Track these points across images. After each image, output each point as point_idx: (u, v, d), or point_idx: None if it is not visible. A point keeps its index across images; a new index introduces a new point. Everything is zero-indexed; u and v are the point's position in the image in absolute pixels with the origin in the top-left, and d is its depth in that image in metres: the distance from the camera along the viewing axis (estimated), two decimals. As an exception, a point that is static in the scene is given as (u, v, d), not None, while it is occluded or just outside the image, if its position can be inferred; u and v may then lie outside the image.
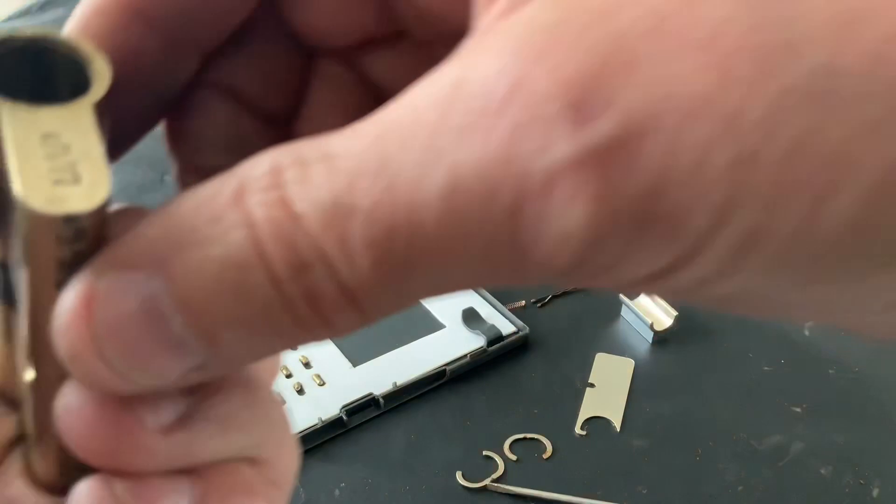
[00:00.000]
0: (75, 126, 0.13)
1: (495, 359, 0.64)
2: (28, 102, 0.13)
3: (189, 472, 0.15)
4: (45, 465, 0.17)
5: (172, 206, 0.13)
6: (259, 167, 0.12)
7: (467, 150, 0.11)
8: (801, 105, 0.10)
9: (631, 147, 0.10)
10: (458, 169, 0.11)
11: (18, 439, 0.17)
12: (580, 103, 0.10)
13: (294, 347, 0.13)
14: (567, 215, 0.10)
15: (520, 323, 0.66)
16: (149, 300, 0.12)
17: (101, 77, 0.14)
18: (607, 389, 0.62)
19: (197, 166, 0.18)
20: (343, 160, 0.11)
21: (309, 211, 0.11)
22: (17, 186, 0.12)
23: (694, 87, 0.10)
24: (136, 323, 0.13)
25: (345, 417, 0.59)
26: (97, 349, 0.13)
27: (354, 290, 0.12)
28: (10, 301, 0.16)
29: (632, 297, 0.67)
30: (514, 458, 0.57)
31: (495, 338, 0.64)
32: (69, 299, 0.13)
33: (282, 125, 0.18)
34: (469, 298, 0.68)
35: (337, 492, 0.56)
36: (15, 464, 0.17)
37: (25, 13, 1.24)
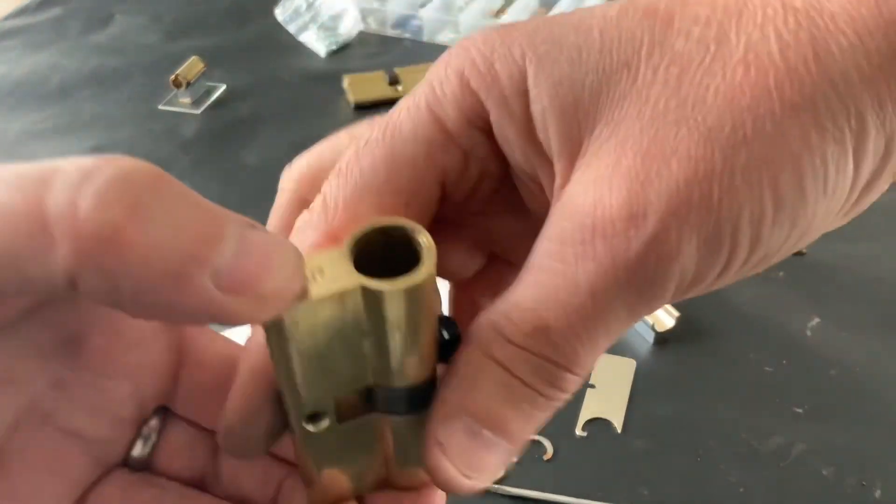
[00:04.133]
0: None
1: (495, 359, 0.64)
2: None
3: None
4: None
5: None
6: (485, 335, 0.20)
7: (618, 245, 0.18)
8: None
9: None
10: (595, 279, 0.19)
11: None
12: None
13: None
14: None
15: (520, 323, 0.66)
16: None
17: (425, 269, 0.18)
18: (608, 390, 0.62)
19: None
20: (559, 303, 0.19)
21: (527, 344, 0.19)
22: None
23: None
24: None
25: (344, 418, 0.59)
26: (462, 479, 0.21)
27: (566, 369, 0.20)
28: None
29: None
30: (514, 459, 0.57)
31: (495, 338, 0.64)
32: (443, 464, 0.21)
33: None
34: (469, 298, 0.68)
35: (336, 493, 0.55)
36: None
37: (23, 12, 1.23)
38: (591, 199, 0.18)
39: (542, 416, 0.21)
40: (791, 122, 0.18)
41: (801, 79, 0.18)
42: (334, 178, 0.22)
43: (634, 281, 0.18)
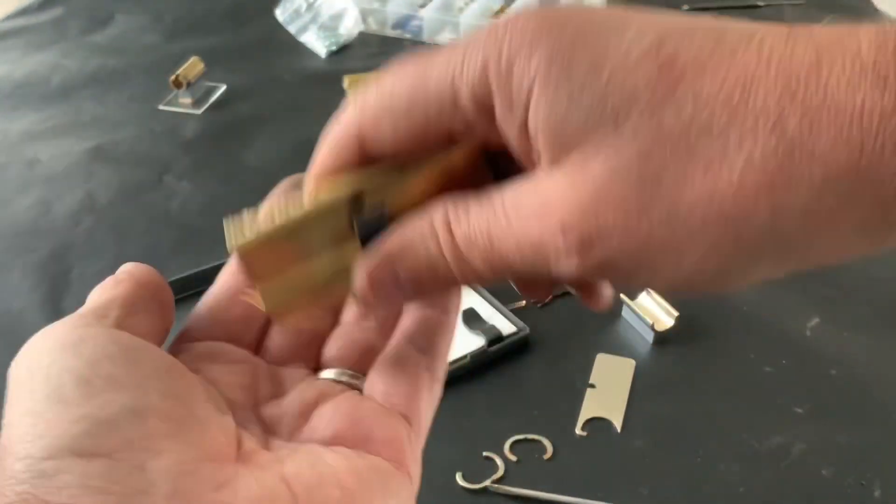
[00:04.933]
0: None
1: (495, 359, 0.64)
2: None
3: None
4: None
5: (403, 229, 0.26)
6: (439, 213, 0.26)
7: (534, 226, 0.23)
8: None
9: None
10: (528, 234, 0.24)
11: None
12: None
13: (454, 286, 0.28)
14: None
15: (520, 323, 0.66)
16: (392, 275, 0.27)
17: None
18: (608, 390, 0.62)
19: None
20: (478, 216, 0.25)
21: (462, 239, 0.25)
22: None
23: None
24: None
25: (344, 418, 0.59)
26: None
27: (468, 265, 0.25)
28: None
29: (633, 297, 0.67)
30: (514, 458, 0.57)
31: (495, 338, 0.64)
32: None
33: None
34: (469, 298, 0.68)
35: (336, 493, 0.55)
36: None
37: (24, 12, 1.23)
38: (555, 196, 0.23)
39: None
40: (714, 231, 0.21)
41: (744, 202, 0.20)
42: (371, 87, 0.28)
43: (547, 263, 0.23)
